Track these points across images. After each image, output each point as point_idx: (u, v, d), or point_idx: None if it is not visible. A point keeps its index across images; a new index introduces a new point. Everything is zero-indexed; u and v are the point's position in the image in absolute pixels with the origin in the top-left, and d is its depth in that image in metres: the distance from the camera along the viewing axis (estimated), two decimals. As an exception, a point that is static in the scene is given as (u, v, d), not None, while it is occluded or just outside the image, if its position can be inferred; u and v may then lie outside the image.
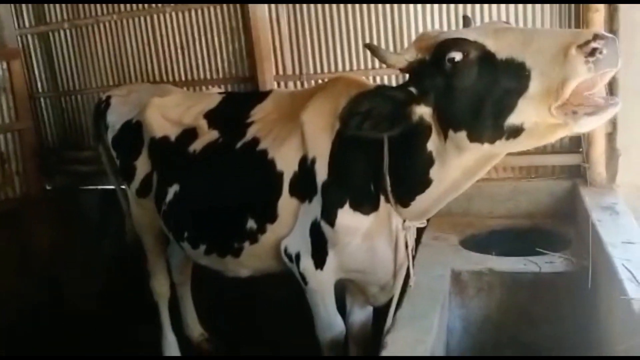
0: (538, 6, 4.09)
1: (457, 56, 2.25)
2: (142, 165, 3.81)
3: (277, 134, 3.18)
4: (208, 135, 3.47)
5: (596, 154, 3.96)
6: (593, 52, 1.95)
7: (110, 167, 4.33)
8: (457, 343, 3.45)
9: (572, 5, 4.01)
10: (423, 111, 2.45)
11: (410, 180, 2.67)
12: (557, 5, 4.05)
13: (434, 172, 2.57)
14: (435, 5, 4.34)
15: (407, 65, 2.46)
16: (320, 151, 2.95)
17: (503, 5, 4.17)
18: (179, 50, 5.24)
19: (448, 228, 4.09)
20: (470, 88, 2.26)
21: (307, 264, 3.10)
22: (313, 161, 2.97)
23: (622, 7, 3.73)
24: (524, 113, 2.13)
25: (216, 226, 3.41)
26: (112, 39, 5.50)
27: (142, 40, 5.38)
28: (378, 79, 4.55)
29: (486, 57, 2.22)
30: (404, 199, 2.77)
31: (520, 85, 2.12)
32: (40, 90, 6.03)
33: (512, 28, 2.38)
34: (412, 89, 2.44)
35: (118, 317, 5.10)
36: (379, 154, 2.74)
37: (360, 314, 3.54)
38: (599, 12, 3.73)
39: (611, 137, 3.99)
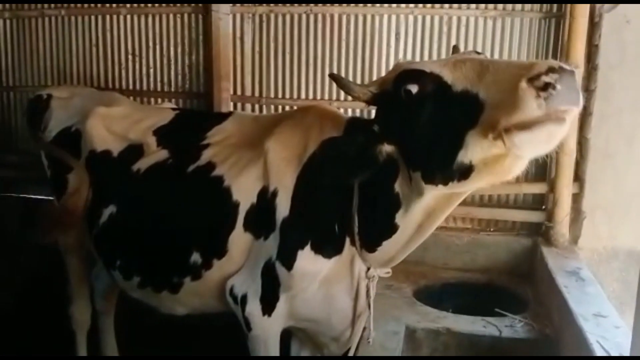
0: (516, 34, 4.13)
1: (413, 88, 2.13)
2: (76, 180, 3.44)
3: (235, 161, 2.92)
4: (156, 155, 3.16)
5: (561, 214, 3.90)
6: (545, 86, 1.77)
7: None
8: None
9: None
10: (388, 149, 2.30)
11: (377, 223, 2.50)
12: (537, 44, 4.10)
13: (399, 217, 2.41)
14: (409, 38, 4.29)
15: (371, 97, 2.33)
16: (283, 184, 2.71)
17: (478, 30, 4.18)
18: (130, 57, 4.91)
19: (401, 277, 3.93)
20: (425, 123, 2.12)
21: (253, 308, 2.83)
22: (274, 194, 2.72)
23: (602, 67, 3.72)
24: (470, 149, 1.98)
25: (154, 257, 3.09)
26: (56, 36, 5.09)
27: (90, 41, 5.00)
28: (342, 110, 4.36)
29: (442, 90, 2.07)
30: (369, 244, 2.58)
31: (471, 118, 1.96)
32: (-32, 81, 5.51)
33: (472, 58, 2.18)
34: (376, 127, 2.32)
35: (28, 343, 4.61)
36: (347, 193, 2.55)
37: None
38: (577, 70, 3.69)
39: (577, 197, 3.94)
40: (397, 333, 3.02)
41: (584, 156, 3.84)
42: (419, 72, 2.14)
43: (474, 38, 4.18)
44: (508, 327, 3.20)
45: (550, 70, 1.78)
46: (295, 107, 4.38)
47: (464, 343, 3.15)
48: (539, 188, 4.09)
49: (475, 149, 1.97)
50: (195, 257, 2.92)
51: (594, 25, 3.76)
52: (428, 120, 2.11)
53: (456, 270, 4.19)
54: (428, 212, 2.37)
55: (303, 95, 4.50)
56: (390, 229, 2.46)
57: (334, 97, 4.42)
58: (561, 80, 1.76)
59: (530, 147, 1.87)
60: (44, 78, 5.16)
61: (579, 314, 2.73)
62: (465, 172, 2.03)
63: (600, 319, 2.66)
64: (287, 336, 3.24)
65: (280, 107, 4.53)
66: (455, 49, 2.69)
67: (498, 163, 1.98)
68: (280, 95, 4.55)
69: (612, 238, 3.95)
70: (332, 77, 2.45)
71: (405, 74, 2.18)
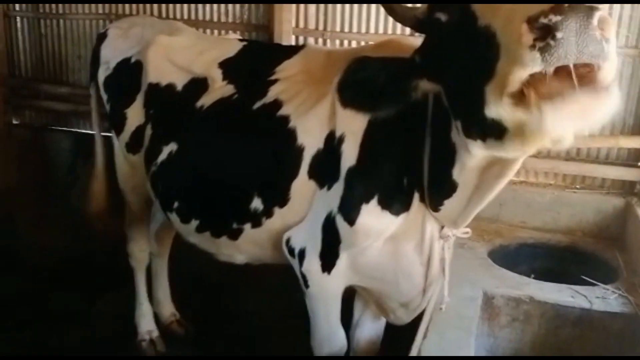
0: None
1: (442, 17, 1.83)
2: (135, 115, 3.30)
3: (304, 100, 2.70)
4: (221, 89, 2.98)
5: (663, 172, 3.53)
6: (544, 32, 1.39)
7: (97, 112, 3.83)
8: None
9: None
10: (428, 87, 2.01)
11: (439, 179, 2.26)
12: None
13: (456, 173, 2.15)
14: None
15: (416, 23, 1.99)
16: (352, 129, 2.47)
17: None
18: (187, -17, 4.64)
19: (474, 235, 3.62)
20: (452, 62, 1.81)
21: (312, 264, 2.67)
22: (341, 140, 2.50)
23: None
24: (495, 106, 1.61)
25: (214, 200, 2.95)
26: (109, -38, 4.87)
27: (142, -34, 4.76)
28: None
29: (468, 22, 1.71)
30: (432, 203, 2.35)
31: (487, 66, 1.60)
32: (17, 7, 5.37)
33: None
34: (417, 57, 2.00)
35: (80, 281, 4.62)
36: (418, 139, 2.29)
37: (370, 329, 3.13)
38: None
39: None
40: (474, 299, 2.80)
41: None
42: None
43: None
44: (599, 298, 2.93)
45: (554, 10, 1.37)
46: (362, 42, 4.11)
47: (549, 314, 2.90)
48: (636, 142, 3.71)
49: (500, 107, 1.59)
50: (257, 203, 2.77)
51: None
52: (454, 60, 1.79)
53: (535, 229, 3.91)
54: (481, 173, 2.09)
55: (372, 30, 4.18)
56: (449, 186, 2.21)
57: (407, 32, 4.06)
58: (566, 25, 1.36)
59: (555, 122, 1.49)
60: (95, 5, 4.97)
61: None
62: (499, 131, 1.68)
63: None
64: (350, 295, 3.09)
65: (345, 42, 4.23)
66: None
67: (532, 130, 1.57)
68: (346, 29, 4.24)
69: None
70: None
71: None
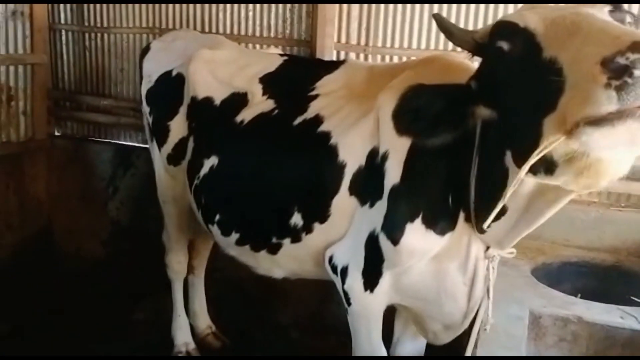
0: None
1: (505, 46, 1.81)
2: (178, 128, 3.36)
3: (345, 115, 2.71)
4: (262, 104, 3.02)
5: None
6: (620, 72, 1.36)
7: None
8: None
9: None
10: (484, 113, 2.04)
11: (487, 202, 2.21)
12: None
13: (507, 197, 2.09)
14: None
15: (475, 47, 2.04)
16: (396, 146, 2.46)
17: None
18: (229, -1, 4.70)
19: (518, 252, 3.58)
20: (512, 91, 1.81)
21: (354, 282, 2.67)
22: (384, 157, 2.49)
23: None
24: (548, 139, 1.61)
25: (255, 214, 2.98)
26: (152, -24, 4.97)
27: (186, -19, 4.84)
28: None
29: (532, 52, 1.71)
30: (479, 224, 2.32)
31: (551, 99, 1.58)
32: (62, 21, 5.49)
33: (576, 12, 1.71)
34: (474, 83, 2.04)
35: (118, 291, 4.68)
36: (465, 159, 2.28)
37: (410, 348, 3.13)
38: None
39: None
40: (521, 318, 2.75)
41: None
42: (512, 25, 1.80)
43: None
44: (649, 320, 2.84)
45: (633, 47, 1.35)
46: (404, 58, 4.10)
47: (598, 335, 2.83)
48: (686, 160, 3.61)
49: (550, 140, 1.60)
50: (296, 219, 2.78)
51: None
52: (513, 89, 1.79)
53: (579, 248, 3.83)
54: (533, 199, 2.07)
55: (414, 45, 4.16)
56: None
57: (450, 47, 4.04)
58: None
59: (604, 147, 1.48)
60: (139, 19, 5.07)
61: None
62: (549, 166, 1.69)
63: None
64: (391, 314, 3.07)
65: (387, 57, 4.23)
66: None
67: (580, 162, 1.58)
68: (388, 44, 4.24)
69: None
70: (435, 17, 2.19)
71: (499, 27, 1.87)
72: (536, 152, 1.64)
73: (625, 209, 3.88)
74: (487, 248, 2.47)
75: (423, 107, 2.06)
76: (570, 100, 1.52)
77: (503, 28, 1.86)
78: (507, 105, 1.86)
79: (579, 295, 3.15)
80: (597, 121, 1.43)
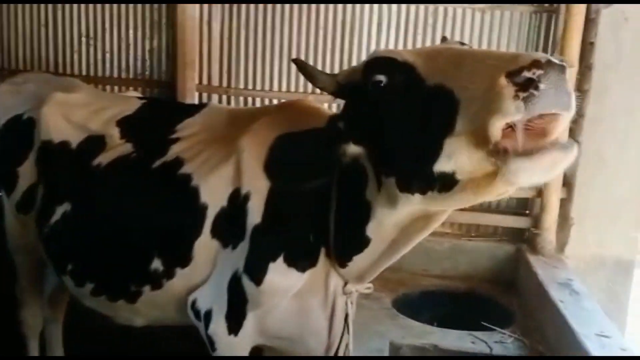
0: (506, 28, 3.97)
1: (382, 79, 1.88)
2: (27, 174, 3.11)
3: (206, 158, 2.65)
4: (119, 148, 2.87)
5: (548, 220, 3.77)
6: (526, 84, 1.52)
7: None
8: None
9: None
10: (355, 151, 2.06)
11: (348, 235, 2.27)
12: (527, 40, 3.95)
13: (371, 229, 2.18)
14: (392, 29, 4.10)
15: (338, 88, 2.08)
16: (257, 187, 2.45)
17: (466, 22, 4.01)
18: (84, 39, 4.55)
19: (378, 284, 3.66)
20: (396, 121, 1.88)
21: (218, 326, 2.58)
22: (246, 198, 2.46)
23: (597, 67, 3.57)
24: (454, 158, 1.71)
25: (111, 262, 2.80)
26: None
27: (38, 21, 4.62)
28: (326, 106, 4.10)
29: (414, 83, 1.82)
30: (341, 258, 2.35)
31: (446, 121, 1.70)
32: None
33: (450, 47, 1.95)
34: (341, 123, 2.06)
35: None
36: (323, 198, 2.31)
37: None
38: (570, 69, 3.53)
39: (565, 203, 3.80)
40: (382, 351, 2.81)
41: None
42: (389, 60, 1.88)
43: (461, 31, 4.03)
44: (498, 343, 3.05)
45: (535, 64, 1.51)
46: (266, 100, 4.16)
47: (452, 360, 2.95)
48: (524, 192, 3.94)
49: (461, 160, 1.70)
50: (156, 264, 2.65)
51: (589, 22, 3.63)
52: (400, 118, 1.86)
53: (436, 277, 4.04)
54: (402, 228, 2.12)
55: (275, 87, 4.25)
56: (361, 242, 2.21)
57: (310, 90, 4.15)
58: (547, 78, 1.50)
59: (527, 175, 1.59)
60: (-14, 60, 4.74)
61: (581, 333, 2.55)
62: (448, 183, 1.76)
63: (604, 339, 2.50)
64: (257, 352, 3.02)
65: (250, 100, 4.27)
66: (445, 39, 2.43)
67: (487, 182, 1.70)
68: (250, 86, 4.29)
69: (600, 246, 3.85)
70: (296, 62, 2.17)
71: (374, 62, 1.93)
72: (448, 167, 1.70)
73: (475, 239, 4.13)
74: (345, 283, 2.50)
75: (294, 157, 2.10)
76: (475, 117, 1.61)
77: (380, 63, 1.90)
78: (392, 136, 1.90)
79: (435, 324, 3.28)
80: (529, 152, 1.54)
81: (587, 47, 3.62)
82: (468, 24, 4.00)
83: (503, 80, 1.53)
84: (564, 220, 3.81)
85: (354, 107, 2.06)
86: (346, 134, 2.04)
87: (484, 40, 3.99)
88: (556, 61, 1.51)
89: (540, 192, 3.80)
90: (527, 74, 1.50)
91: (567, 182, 3.81)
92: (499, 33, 3.97)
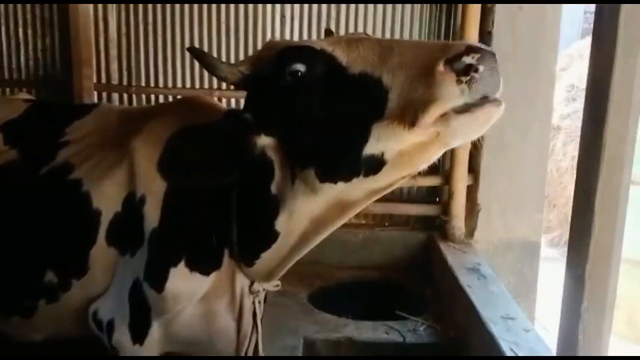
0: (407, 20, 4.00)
1: (301, 69, 1.85)
2: None
3: (97, 162, 2.51)
4: (3, 155, 2.67)
5: (457, 207, 3.82)
6: (467, 69, 1.57)
7: None
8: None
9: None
10: (264, 143, 2.00)
11: (254, 232, 2.22)
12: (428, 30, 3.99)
13: (280, 223, 2.13)
14: (296, 21, 4.05)
15: (242, 79, 2.01)
16: (152, 190, 2.33)
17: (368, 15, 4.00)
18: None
19: (295, 280, 3.67)
20: (316, 110, 1.85)
21: (121, 336, 2.46)
22: (142, 201, 2.35)
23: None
24: (382, 141, 1.74)
25: (1, 277, 2.59)
26: None
27: None
28: (224, 101, 4.00)
29: (335, 71, 1.82)
30: (247, 257, 2.29)
31: (374, 107, 1.73)
32: None
33: (368, 38, 1.96)
34: (248, 115, 2.00)
35: None
36: (224, 197, 2.24)
37: None
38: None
39: (472, 190, 3.87)
40: (295, 348, 2.76)
41: (478, 148, 3.77)
42: (308, 49, 1.86)
43: (364, 23, 4.00)
44: (411, 331, 3.06)
45: (471, 49, 1.57)
46: (170, 97, 4.00)
47: (367, 352, 2.95)
48: (433, 181, 3.99)
49: (389, 141, 1.73)
50: (50, 277, 2.50)
51: (486, 11, 3.68)
52: (321, 108, 1.83)
53: (352, 268, 4.03)
54: (316, 220, 2.09)
55: (179, 84, 4.10)
56: (269, 237, 2.16)
57: (215, 85, 4.03)
58: (483, 62, 1.55)
59: (466, 131, 1.66)
60: None
61: (487, 317, 2.59)
62: (376, 165, 1.78)
63: (509, 322, 2.54)
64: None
65: (152, 97, 4.10)
66: (329, 32, 2.47)
67: (418, 153, 1.74)
68: (152, 84, 4.12)
69: (507, 230, 3.94)
70: (192, 51, 2.06)
71: (290, 52, 1.89)
72: (377, 149, 1.72)
73: (388, 229, 4.15)
74: (252, 283, 2.43)
75: (196, 152, 2.01)
76: (408, 102, 1.65)
77: (297, 52, 1.86)
78: (313, 125, 1.85)
79: (350, 316, 3.27)
80: (467, 109, 1.57)
81: (485, 36, 3.69)
82: (371, 15, 3.99)
83: (441, 68, 1.58)
84: (472, 206, 3.88)
85: (264, 97, 1.98)
86: (255, 125, 1.96)
87: (386, 31, 3.99)
88: (487, 47, 1.58)
89: (447, 179, 3.85)
90: (466, 60, 1.55)
91: (473, 170, 3.88)
92: (401, 24, 3.98)
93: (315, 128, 1.86)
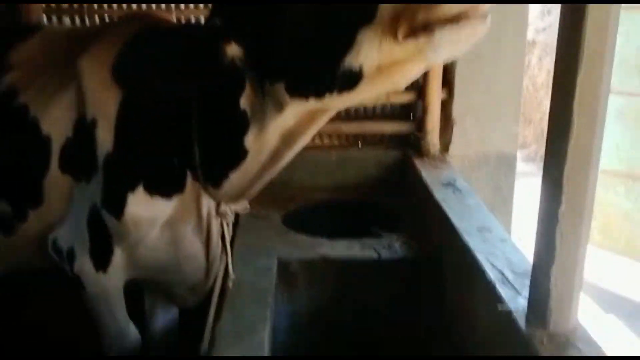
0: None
1: None
2: None
3: (43, 85, 2.37)
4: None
5: (431, 123, 3.70)
6: None
7: None
8: (281, 343, 2.96)
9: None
10: (234, 52, 1.84)
11: (221, 151, 2.12)
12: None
13: (249, 140, 2.02)
14: None
15: None
16: (104, 111, 2.21)
17: None
18: None
19: (268, 202, 3.57)
20: (295, 15, 1.67)
21: (83, 264, 2.40)
22: (93, 124, 2.22)
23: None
24: (363, 51, 1.58)
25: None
26: None
27: None
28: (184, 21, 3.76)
29: None
30: (214, 177, 2.18)
31: (365, 10, 1.56)
32: None
33: None
34: (217, 20, 1.84)
35: None
36: (184, 116, 2.09)
37: (163, 317, 2.95)
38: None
39: (447, 104, 3.75)
40: (270, 268, 2.70)
41: (452, 60, 3.60)
42: None
43: None
44: (386, 248, 3.00)
45: None
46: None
47: (342, 271, 2.90)
48: (406, 96, 3.84)
49: (370, 52, 1.57)
50: (4, 207, 2.39)
51: None
52: (300, 11, 1.66)
53: (326, 190, 3.94)
54: (285, 136, 1.98)
55: (134, 4, 3.80)
56: (237, 156, 2.06)
57: (173, 5, 3.77)
58: None
59: (451, 45, 1.53)
60: None
61: (462, 229, 2.53)
62: (352, 80, 1.63)
63: (486, 234, 2.48)
64: (138, 290, 2.84)
65: (107, 18, 3.83)
66: None
67: (397, 69, 1.62)
68: (105, 5, 3.82)
69: (482, 143, 3.86)
70: None
71: None
72: (356, 62, 1.58)
73: (362, 148, 4.05)
74: (218, 205, 2.34)
75: (159, 55, 1.89)
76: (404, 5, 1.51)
77: None
78: (289, 31, 1.67)
79: (325, 236, 3.20)
80: (453, 19, 1.47)
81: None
82: None
83: None
84: (446, 121, 3.77)
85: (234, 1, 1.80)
86: (225, 32, 1.80)
87: None
88: None
89: (421, 94, 3.72)
90: None
91: (447, 83, 3.75)
92: None
93: (292, 34, 1.69)
